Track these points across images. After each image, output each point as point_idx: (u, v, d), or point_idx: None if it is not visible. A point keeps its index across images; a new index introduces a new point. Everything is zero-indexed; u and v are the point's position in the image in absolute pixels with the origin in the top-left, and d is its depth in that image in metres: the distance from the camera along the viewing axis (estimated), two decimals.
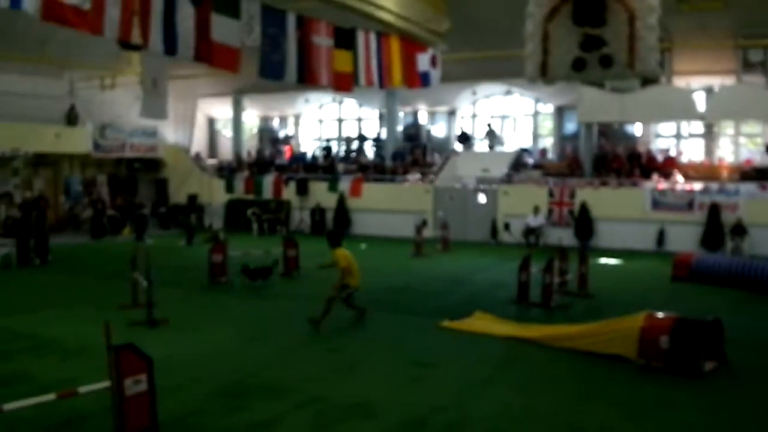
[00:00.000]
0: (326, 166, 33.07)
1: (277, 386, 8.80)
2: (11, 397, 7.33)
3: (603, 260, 21.73)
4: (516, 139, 32.40)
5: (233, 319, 13.28)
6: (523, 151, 31.07)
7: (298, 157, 35.09)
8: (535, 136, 32.47)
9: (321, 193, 30.31)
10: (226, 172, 33.72)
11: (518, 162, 29.98)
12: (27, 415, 7.29)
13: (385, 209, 28.88)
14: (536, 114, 32.39)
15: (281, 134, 37.65)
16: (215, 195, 32.51)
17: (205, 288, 16.47)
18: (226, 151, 38.18)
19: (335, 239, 13.16)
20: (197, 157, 35.99)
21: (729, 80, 26.53)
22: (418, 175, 30.19)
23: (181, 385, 8.76)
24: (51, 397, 6.84)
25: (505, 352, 10.92)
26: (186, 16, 10.77)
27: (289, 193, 30.94)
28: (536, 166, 29.77)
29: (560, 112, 31.22)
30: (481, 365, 10.16)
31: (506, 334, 11.78)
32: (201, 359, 10.24)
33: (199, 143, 37.89)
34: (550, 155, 30.97)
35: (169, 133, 34.83)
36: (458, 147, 32.27)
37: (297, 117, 37.27)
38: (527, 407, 8.26)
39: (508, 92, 31.82)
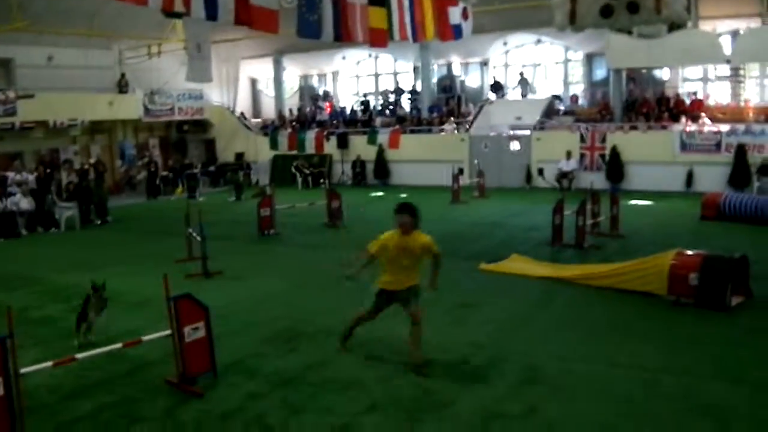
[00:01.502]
0: (365, 120, 33.08)
1: (327, 330, 8.97)
2: (82, 348, 7.63)
3: (634, 202, 21.57)
4: (547, 87, 32.06)
5: (282, 268, 13.50)
6: (555, 98, 30.76)
7: (338, 113, 35.13)
8: (566, 83, 32.08)
9: (361, 147, 30.33)
10: (270, 129, 33.82)
11: (550, 109, 29.71)
12: (97, 363, 7.54)
13: (423, 159, 28.86)
14: (566, 61, 31.95)
15: (321, 91, 37.64)
16: (261, 152, 32.71)
17: (255, 240, 16.71)
18: (268, 109, 38.29)
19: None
20: (242, 117, 36.13)
21: (754, 23, 25.91)
22: (453, 126, 30.08)
23: (236, 330, 8.99)
24: (118, 346, 7.07)
25: (541, 292, 11.01)
26: None
27: (330, 147, 31.01)
28: (567, 113, 29.50)
29: (590, 59, 30.77)
30: (519, 305, 10.26)
31: (542, 275, 11.87)
32: (254, 306, 10.48)
33: (243, 103, 37.99)
34: (581, 101, 30.62)
35: (215, 95, 34.96)
36: (491, 96, 32.02)
37: (335, 74, 37.17)
38: (562, 343, 8.36)
39: (539, 41, 31.42)
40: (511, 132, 28.33)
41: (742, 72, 27.75)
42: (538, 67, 32.48)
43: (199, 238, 12.85)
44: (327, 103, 36.28)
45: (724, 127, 24.83)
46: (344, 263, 7.92)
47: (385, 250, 7.51)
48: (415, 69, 34.17)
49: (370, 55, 35.16)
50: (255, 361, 7.84)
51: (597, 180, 22.90)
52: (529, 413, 6.28)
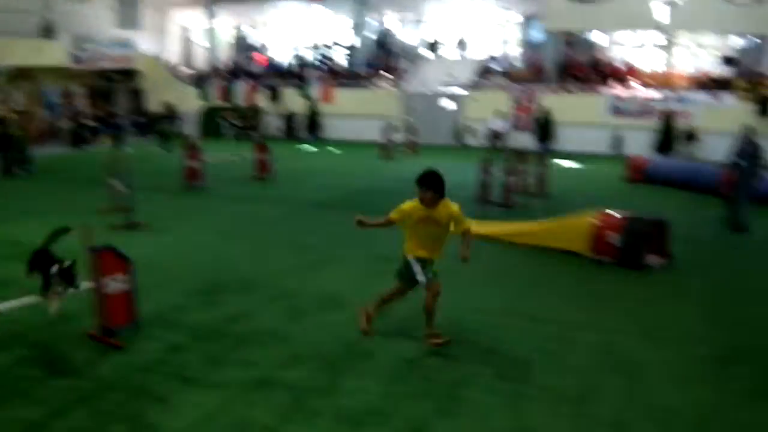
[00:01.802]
0: (298, 73, 32.77)
1: (252, 282, 8.96)
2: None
3: (563, 163, 21.95)
4: (483, 47, 32.19)
5: (209, 220, 13.37)
6: (490, 58, 30.95)
7: (271, 65, 34.72)
8: (502, 44, 32.27)
9: (293, 100, 30.11)
10: (200, 80, 33.30)
11: (485, 69, 29.91)
12: (14, 317, 7.42)
13: (356, 114, 28.84)
14: (504, 22, 32.11)
15: (254, 43, 37.09)
16: (190, 103, 32.20)
17: (182, 192, 16.52)
18: (200, 60, 37.63)
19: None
20: (172, 67, 35.43)
21: None
22: (387, 82, 30.04)
23: (160, 282, 8.88)
24: (34, 299, 6.94)
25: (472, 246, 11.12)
26: None
27: (261, 99, 30.71)
28: (502, 73, 29.72)
29: (527, 21, 31.01)
30: (442, 260, 10.34)
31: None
32: (179, 259, 10.37)
33: (173, 53, 37.25)
34: (516, 63, 30.87)
35: (145, 43, 34.16)
36: (426, 54, 32.04)
37: (269, 25, 36.64)
38: (484, 298, 8.52)
39: (477, 0, 31.49)
40: (445, 90, 28.43)
41: (674, 40, 28.30)
42: (475, 27, 32.55)
43: (124, 189, 12.65)
44: (260, 55, 35.81)
45: (655, 94, 25.37)
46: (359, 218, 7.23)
47: (408, 219, 6.94)
48: (352, 23, 33.90)
49: (305, 7, 34.70)
50: (178, 313, 7.79)
51: (528, 140, 23.21)
52: (448, 364, 6.41)
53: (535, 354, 6.73)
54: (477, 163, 15.54)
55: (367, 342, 6.91)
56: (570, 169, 21.46)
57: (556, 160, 21.26)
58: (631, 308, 8.34)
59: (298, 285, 8.80)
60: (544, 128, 25.16)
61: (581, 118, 25.30)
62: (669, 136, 23.49)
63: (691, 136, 23.25)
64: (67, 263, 7.22)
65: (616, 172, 19.72)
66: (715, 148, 22.31)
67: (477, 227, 12.09)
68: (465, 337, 7.10)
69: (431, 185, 6.80)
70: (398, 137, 25.00)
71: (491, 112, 25.77)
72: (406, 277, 7.02)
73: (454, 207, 6.93)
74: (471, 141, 26.58)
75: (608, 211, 10.71)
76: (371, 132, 26.41)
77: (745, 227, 13.10)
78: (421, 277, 6.87)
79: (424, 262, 6.95)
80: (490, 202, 14.72)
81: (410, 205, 6.93)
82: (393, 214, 7.03)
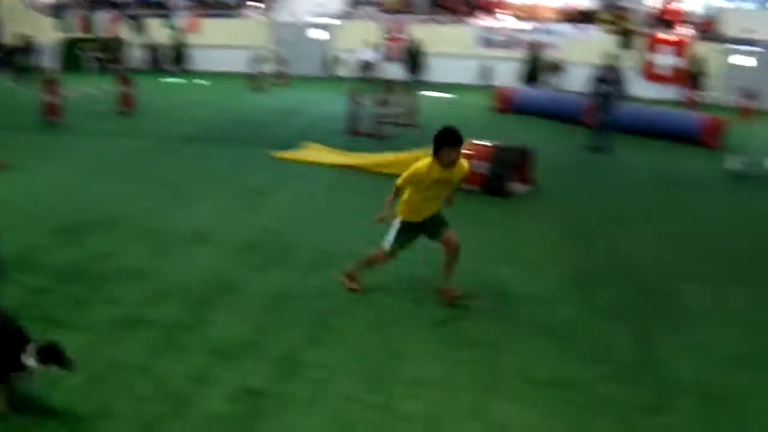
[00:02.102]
0: (163, 3, 31.50)
1: (115, 220, 8.70)
2: None
3: (433, 93, 22.19)
4: None
5: (70, 158, 12.81)
6: None
7: None
8: None
9: (157, 30, 29.01)
10: (59, 10, 31.49)
11: None
12: None
13: (224, 45, 28.09)
14: None
15: None
16: (48, 35, 30.37)
17: (40, 129, 15.69)
18: None
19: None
20: None
21: None
22: (256, 11, 29.35)
23: (18, 224, 8.50)
24: None
25: (334, 179, 11.21)
26: None
27: (124, 30, 29.43)
28: (372, 3, 29.53)
29: None
30: (312, 192, 10.42)
31: (336, 163, 12.06)
32: (38, 198, 9.91)
33: None
34: None
35: None
36: None
37: None
38: (354, 229, 8.60)
39: None
40: (315, 20, 28.05)
41: None
42: None
43: None
44: None
45: (523, 25, 25.86)
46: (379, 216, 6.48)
47: (420, 183, 6.19)
48: None
49: None
50: (39, 255, 7.48)
51: (398, 71, 23.30)
52: (319, 295, 6.49)
53: (405, 281, 6.90)
54: (347, 94, 15.52)
55: (235, 276, 6.87)
56: (440, 99, 21.74)
57: (426, 91, 21.47)
58: (496, 234, 8.66)
59: (164, 221, 8.64)
60: (414, 59, 25.27)
61: (451, 49, 25.57)
62: (536, 67, 24.09)
63: (556, 67, 23.92)
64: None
65: (484, 102, 20.13)
66: (580, 79, 23.10)
67: (347, 159, 12.24)
68: (339, 267, 7.18)
69: (460, 141, 6.16)
70: (268, 68, 24.56)
71: (361, 42, 25.64)
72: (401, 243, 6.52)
73: (466, 164, 6.52)
74: (341, 72, 26.43)
75: (475, 140, 10.96)
76: (239, 63, 25.82)
77: (607, 149, 13.80)
78: (387, 244, 6.45)
79: (411, 227, 6.47)
80: (360, 133, 14.77)
81: (423, 167, 6.16)
82: (402, 182, 6.27)
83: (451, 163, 6.13)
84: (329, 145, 13.35)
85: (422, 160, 6.22)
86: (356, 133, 14.77)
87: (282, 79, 24.01)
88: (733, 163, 13.20)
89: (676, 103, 23.08)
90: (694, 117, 17.22)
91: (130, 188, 10.40)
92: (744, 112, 21.02)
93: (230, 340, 5.45)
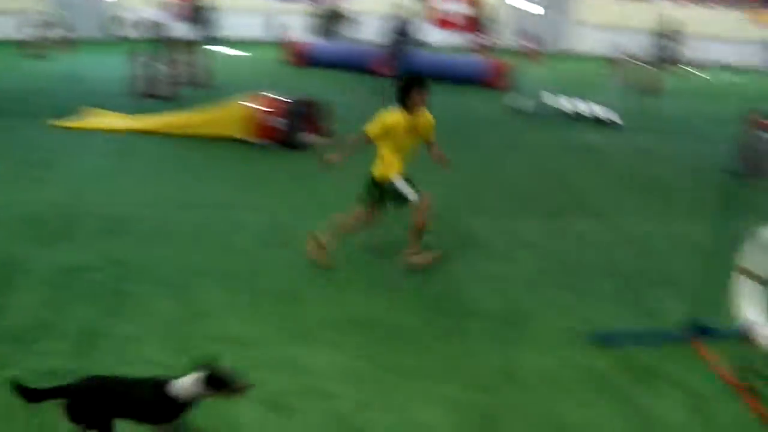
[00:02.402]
0: None
1: None
2: None
3: (226, 51, 21.75)
4: None
5: None
6: None
7: None
8: None
9: None
10: None
11: None
12: None
13: None
14: None
15: None
16: None
17: None
18: None
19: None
20: None
21: None
22: None
23: None
24: None
25: (125, 145, 10.61)
26: None
27: None
28: None
29: None
30: (100, 160, 9.89)
31: (124, 128, 11.44)
32: None
33: None
34: None
35: None
36: None
37: None
38: (145, 193, 8.30)
39: None
40: None
41: None
42: None
43: None
44: None
45: None
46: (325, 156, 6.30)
47: (392, 132, 6.09)
48: None
49: None
50: None
51: (186, 30, 22.62)
52: (111, 264, 6.24)
53: (205, 240, 6.81)
54: (133, 55, 14.80)
55: (21, 254, 6.41)
56: (233, 57, 21.34)
57: (218, 48, 20.99)
58: (284, 185, 8.80)
59: None
60: (203, 16, 24.54)
61: (241, 4, 25.08)
62: (329, 20, 24.09)
63: (348, 19, 24.04)
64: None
65: (279, 57, 19.96)
66: (369, 29, 23.38)
67: (136, 123, 11.68)
68: (135, 231, 6.94)
69: (428, 84, 6.18)
70: (46, 32, 22.87)
71: (146, 1, 24.61)
72: (382, 200, 6.31)
73: (429, 114, 6.34)
74: (128, 33, 25.23)
75: (267, 95, 10.88)
76: (7, 28, 23.79)
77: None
78: (413, 196, 6.18)
79: (406, 179, 6.29)
80: (150, 95, 14.11)
81: (393, 115, 6.10)
82: (373, 129, 6.13)
83: (422, 103, 6.13)
84: (115, 110, 12.62)
85: (389, 113, 6.11)
86: (147, 96, 14.14)
87: (63, 43, 22.55)
88: (514, 100, 13.92)
89: (465, 49, 23.90)
90: (482, 61, 17.97)
91: None
92: (531, 55, 22.12)
93: (25, 324, 5.11)
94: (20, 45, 20.81)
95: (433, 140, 6.43)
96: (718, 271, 5.35)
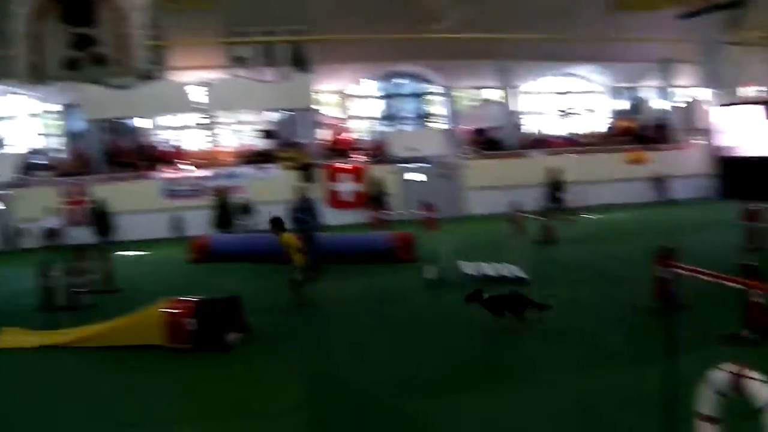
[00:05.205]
0: None
1: None
2: None
3: (127, 253, 21.34)
4: (23, 140, 30.31)
5: None
6: (32, 152, 29.25)
7: None
8: (44, 136, 30.72)
9: None
10: None
11: (28, 164, 28.13)
12: None
13: None
14: (42, 113, 30.60)
15: None
16: None
17: None
18: None
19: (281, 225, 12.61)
20: None
21: (222, 74, 27.80)
22: None
23: None
24: None
25: (40, 363, 10.07)
26: None
27: None
28: (47, 167, 28.19)
29: (67, 110, 29.92)
30: (16, 382, 9.29)
31: (37, 345, 10.89)
32: None
33: None
34: (60, 154, 29.55)
35: None
36: None
37: None
38: (72, 415, 7.74)
39: (10, 92, 29.54)
40: None
41: (215, 119, 29.53)
42: (11, 119, 30.58)
43: None
44: None
45: (205, 172, 25.99)
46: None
47: None
48: None
49: None
50: None
51: (87, 235, 22.20)
52: None
53: None
54: (35, 267, 14.29)
55: None
56: (135, 258, 20.93)
57: (119, 252, 20.57)
58: (222, 390, 8.22)
59: None
60: (101, 220, 24.22)
61: (137, 205, 24.94)
62: (226, 212, 24.11)
63: (246, 209, 24.12)
64: None
65: (180, 254, 19.66)
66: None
67: (49, 338, 11.10)
68: None
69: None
70: None
71: (42, 209, 24.18)
72: None
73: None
74: (25, 243, 24.58)
75: (178, 297, 10.54)
76: None
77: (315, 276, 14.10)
78: None
79: None
80: (56, 307, 13.52)
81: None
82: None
83: None
84: (26, 326, 12.01)
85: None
86: (52, 309, 13.50)
87: None
88: (429, 272, 13.93)
89: (363, 226, 24.20)
90: (387, 236, 18.12)
91: None
92: (427, 223, 22.46)
93: None
94: None
95: None
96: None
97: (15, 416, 7.87)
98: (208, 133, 30.00)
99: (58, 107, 30.19)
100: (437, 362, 8.88)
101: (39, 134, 30.93)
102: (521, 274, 13.67)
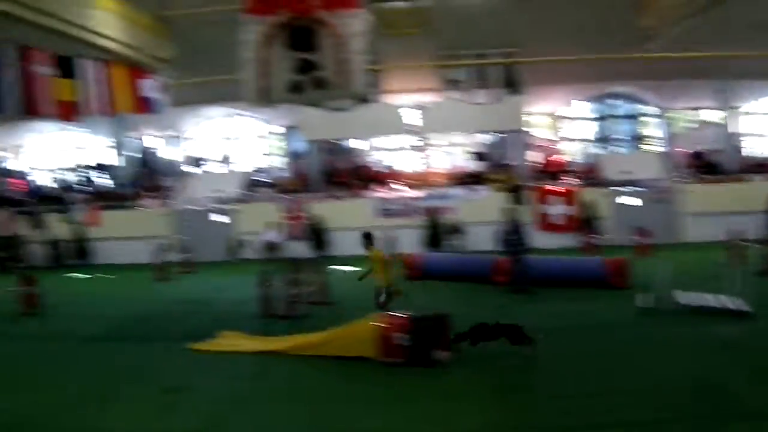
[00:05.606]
0: (60, 197, 30.96)
1: (28, 426, 7.99)
2: None
3: (340, 267, 22.05)
4: (248, 159, 32.31)
5: None
6: (257, 170, 31.07)
7: (30, 189, 32.61)
8: (267, 155, 32.55)
9: (57, 225, 28.35)
10: None
11: (252, 181, 29.92)
12: None
13: (125, 236, 27.52)
14: (267, 134, 32.47)
15: (9, 166, 34.75)
16: None
17: None
18: None
19: (372, 240, 13.35)
20: None
21: (434, 97, 28.21)
22: (155, 200, 29.13)
23: None
24: None
25: (256, 367, 10.70)
26: None
27: (22, 227, 28.62)
28: (269, 184, 29.81)
29: (289, 132, 31.52)
30: (234, 383, 9.87)
31: (255, 350, 11.56)
32: None
33: None
34: (282, 173, 31.13)
35: None
36: (191, 170, 31.62)
37: (26, 148, 34.63)
38: (283, 417, 8.10)
39: (238, 114, 31.67)
40: (214, 205, 27.99)
41: (427, 141, 29.97)
42: (238, 139, 32.69)
43: None
44: (17, 180, 33.54)
45: (417, 193, 26.42)
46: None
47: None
48: (112, 142, 32.85)
49: (62, 128, 33.10)
50: None
51: (303, 249, 23.18)
52: None
53: None
54: (255, 276, 15.16)
55: None
56: (348, 273, 21.58)
57: (334, 266, 21.32)
58: (427, 407, 8.25)
59: (78, 423, 7.92)
60: (317, 235, 25.28)
61: (351, 223, 25.65)
62: (436, 232, 24.37)
63: (456, 230, 24.27)
64: None
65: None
66: (479, 239, 23.36)
67: (265, 344, 11.77)
68: None
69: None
70: (172, 257, 24.00)
71: (263, 223, 25.58)
72: None
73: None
74: (247, 254, 26.13)
75: (392, 312, 10.75)
76: (143, 254, 25.13)
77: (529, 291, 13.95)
78: None
79: None
80: (273, 315, 14.33)
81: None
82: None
83: None
84: (245, 331, 12.81)
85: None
86: (270, 316, 14.31)
87: (187, 266, 23.49)
88: (643, 300, 13.34)
89: (574, 250, 23.59)
90: (598, 261, 17.55)
91: (41, 392, 9.65)
92: (641, 249, 21.56)
93: None
94: (151, 269, 21.80)
95: None
96: None
97: (229, 415, 8.31)
98: (421, 154, 30.53)
99: (281, 129, 31.87)
100: (647, 398, 8.43)
101: (263, 154, 32.81)
102: (744, 306, 12.75)
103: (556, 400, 8.41)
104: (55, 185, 32.98)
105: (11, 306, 16.59)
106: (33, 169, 34.68)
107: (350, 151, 31.34)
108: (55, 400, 9.43)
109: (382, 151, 31.55)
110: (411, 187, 27.65)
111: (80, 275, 24.91)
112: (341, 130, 27.78)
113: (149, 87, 15.41)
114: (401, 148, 31.13)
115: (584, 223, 25.05)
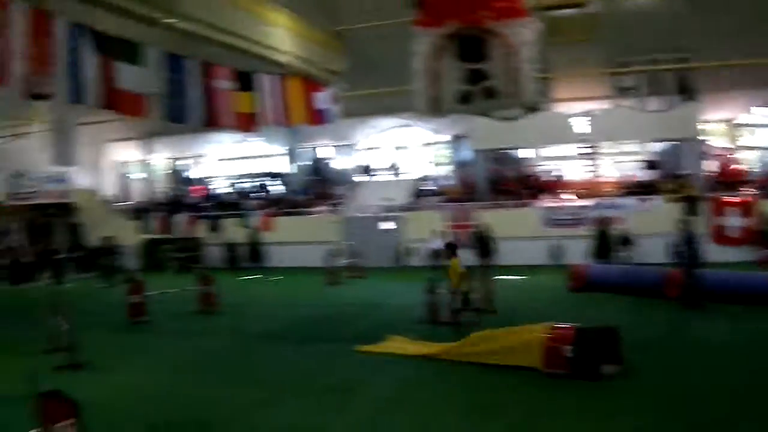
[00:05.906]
0: (237, 203, 32.70)
1: (207, 421, 8.55)
2: None
3: (505, 277, 22.00)
4: (416, 168, 32.76)
5: (156, 357, 12.89)
6: (423, 178, 31.46)
7: (210, 196, 34.67)
8: (434, 164, 32.89)
9: (233, 229, 29.92)
10: (140, 213, 32.95)
11: (419, 189, 30.34)
12: None
13: (297, 241, 28.64)
14: (434, 143, 32.83)
15: (191, 174, 37.08)
16: (130, 236, 31.56)
17: (125, 329, 15.93)
18: (137, 193, 37.36)
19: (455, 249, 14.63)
20: (110, 200, 35.06)
21: (605, 105, 27.58)
22: (325, 207, 30.15)
23: (109, 426, 8.40)
24: None
25: (419, 371, 10.89)
26: (90, 65, 10.40)
27: (202, 230, 30.45)
28: (436, 193, 30.12)
29: (456, 141, 31.73)
30: (396, 386, 10.10)
31: (419, 354, 11.78)
32: (127, 399, 9.88)
33: (111, 186, 36.96)
34: (449, 181, 31.35)
35: (81, 177, 33.80)
36: (361, 178, 32.44)
37: (206, 157, 36.77)
38: (438, 422, 8.22)
39: (407, 125, 32.20)
40: (382, 213, 28.59)
41: (597, 149, 29.32)
42: (406, 149, 33.22)
43: (65, 327, 12.13)
44: (198, 186, 35.75)
45: (585, 202, 25.92)
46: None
47: None
48: (286, 152, 34.28)
49: (241, 139, 34.93)
50: None
51: (469, 257, 23.33)
52: None
53: None
54: (421, 283, 15.43)
55: None
56: (513, 282, 21.52)
57: (499, 275, 21.31)
58: (589, 421, 8.16)
59: (253, 420, 8.41)
60: (483, 244, 25.26)
61: (518, 232, 25.54)
62: (605, 242, 23.79)
63: (626, 241, 23.62)
64: None
65: (558, 281, 19.81)
66: (650, 251, 22.62)
67: (429, 349, 11.95)
68: None
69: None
70: (342, 262, 24.78)
71: (430, 231, 25.90)
72: None
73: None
74: (412, 261, 26.55)
75: (556, 323, 10.65)
76: (314, 258, 26.09)
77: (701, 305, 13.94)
78: None
79: None
80: (439, 321, 14.54)
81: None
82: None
83: None
84: (410, 336, 13.10)
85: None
86: (436, 322, 14.55)
87: (357, 271, 24.20)
88: None
89: (751, 264, 22.36)
90: None
91: (217, 387, 10.28)
92: None
93: None
94: (323, 273, 22.62)
95: None
96: None
97: (391, 414, 8.54)
98: (590, 163, 29.90)
99: (448, 138, 32.12)
100: None
101: (430, 162, 33.19)
102: None
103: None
104: (232, 192, 34.80)
105: (190, 304, 17.74)
106: (212, 176, 36.76)
107: (517, 160, 31.13)
108: (233, 393, 9.99)
109: (550, 160, 31.14)
110: (579, 196, 27.15)
111: (254, 277, 26.15)
112: (509, 139, 27.65)
113: (322, 99, 15.94)
114: (569, 157, 30.59)
115: (762, 235, 23.70)
